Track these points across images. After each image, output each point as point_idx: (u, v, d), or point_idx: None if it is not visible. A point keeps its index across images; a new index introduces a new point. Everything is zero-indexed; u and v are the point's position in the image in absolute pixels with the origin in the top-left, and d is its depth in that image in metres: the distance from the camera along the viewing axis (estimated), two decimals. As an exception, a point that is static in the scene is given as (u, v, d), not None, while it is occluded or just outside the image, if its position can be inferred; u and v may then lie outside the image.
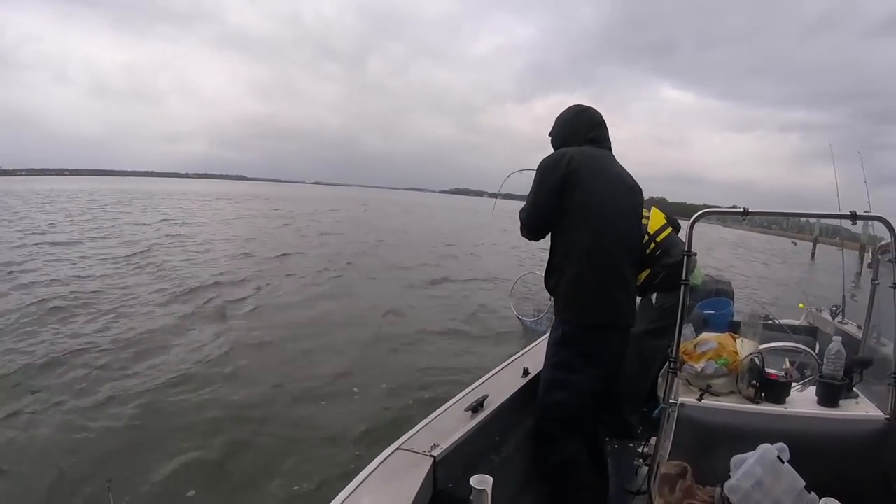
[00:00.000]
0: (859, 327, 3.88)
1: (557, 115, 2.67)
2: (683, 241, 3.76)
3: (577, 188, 2.34)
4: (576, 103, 2.70)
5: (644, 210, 3.80)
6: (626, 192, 2.52)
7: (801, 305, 5.17)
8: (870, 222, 2.43)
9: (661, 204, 4.02)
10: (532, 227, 2.48)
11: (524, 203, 2.49)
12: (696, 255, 2.27)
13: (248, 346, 6.94)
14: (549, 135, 2.66)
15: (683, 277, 2.27)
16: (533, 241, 2.63)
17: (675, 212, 3.91)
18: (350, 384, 5.86)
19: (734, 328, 4.03)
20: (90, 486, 3.77)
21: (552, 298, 2.53)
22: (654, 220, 3.74)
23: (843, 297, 4.43)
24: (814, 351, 2.78)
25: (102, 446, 4.35)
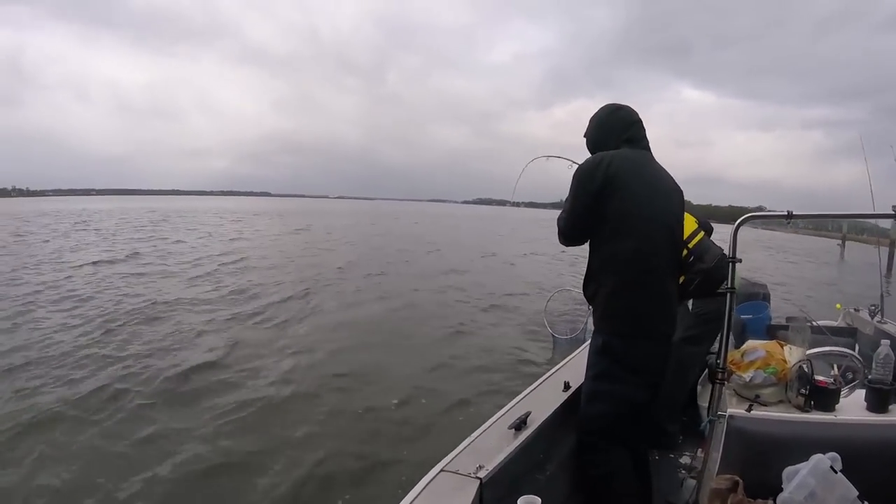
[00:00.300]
0: None
1: (591, 116, 2.58)
2: (717, 245, 3.73)
3: (616, 194, 2.25)
4: (609, 102, 2.60)
5: None
6: (666, 195, 2.44)
7: (838, 306, 5.07)
8: None
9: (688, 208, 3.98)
10: (570, 234, 2.42)
11: (559, 211, 2.44)
12: (740, 261, 2.23)
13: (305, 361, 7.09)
14: (584, 136, 2.59)
15: (729, 285, 2.23)
16: (569, 245, 2.56)
17: (701, 215, 3.86)
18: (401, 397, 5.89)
19: (772, 331, 3.97)
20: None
21: (590, 308, 2.50)
22: (686, 224, 3.69)
23: (882, 295, 4.34)
24: (854, 352, 2.73)
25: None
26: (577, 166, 2.49)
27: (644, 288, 2.27)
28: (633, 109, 2.52)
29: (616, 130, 2.46)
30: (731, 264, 2.24)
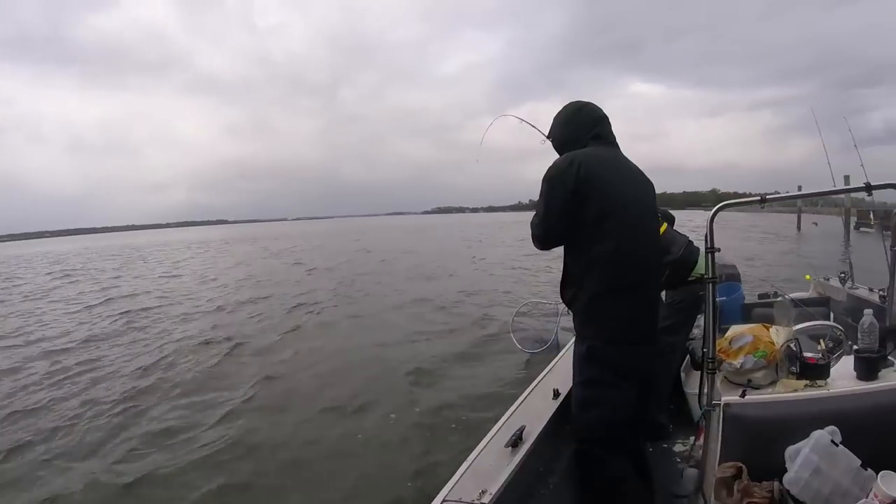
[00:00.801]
0: (870, 290, 3.88)
1: (554, 115, 2.54)
2: (681, 233, 3.75)
3: (592, 196, 2.20)
4: (573, 100, 2.53)
5: None
6: (641, 190, 2.41)
7: (807, 277, 5.17)
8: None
9: None
10: (545, 238, 2.35)
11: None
12: (719, 250, 2.21)
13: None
14: (548, 136, 2.55)
15: (710, 275, 2.22)
16: (544, 248, 2.47)
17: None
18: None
19: (747, 311, 4.03)
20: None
21: (560, 316, 2.49)
22: None
23: (850, 262, 4.42)
24: (829, 320, 2.77)
25: None
26: (546, 140, 2.50)
27: (628, 291, 2.22)
28: (597, 106, 2.48)
29: (584, 128, 2.42)
30: (709, 254, 2.21)
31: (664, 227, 3.70)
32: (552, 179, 2.28)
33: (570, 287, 2.34)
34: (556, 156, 2.43)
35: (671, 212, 4.00)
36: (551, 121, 2.55)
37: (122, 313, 13.46)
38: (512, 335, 8.03)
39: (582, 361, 2.30)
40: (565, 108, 2.52)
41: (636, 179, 2.43)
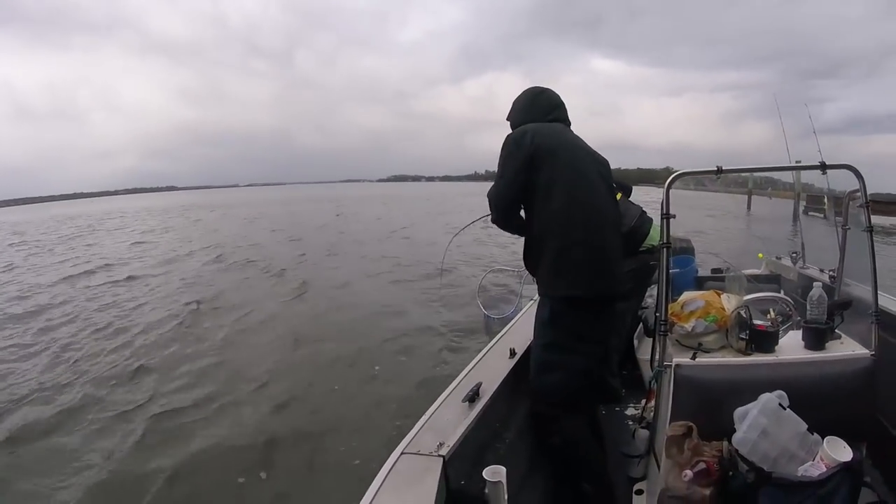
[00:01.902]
0: (821, 270, 4.02)
1: (514, 98, 2.64)
2: (635, 204, 3.81)
3: (546, 163, 2.31)
4: (532, 86, 2.66)
5: None
6: (593, 163, 2.49)
7: (760, 255, 5.32)
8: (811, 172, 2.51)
9: None
10: (503, 205, 2.42)
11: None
12: (674, 216, 2.27)
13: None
14: (507, 119, 2.62)
15: (665, 240, 2.28)
16: (504, 225, 2.54)
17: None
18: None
19: (700, 283, 4.13)
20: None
21: (523, 282, 2.52)
22: None
23: (802, 243, 4.56)
24: (778, 294, 2.86)
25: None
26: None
27: (587, 251, 2.29)
28: (555, 93, 2.60)
29: (542, 112, 2.52)
30: (665, 220, 2.27)
31: (619, 196, 3.76)
32: (510, 145, 2.37)
33: (531, 253, 2.43)
34: None
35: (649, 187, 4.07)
36: (510, 104, 2.64)
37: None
38: (478, 301, 8.21)
39: (544, 325, 2.38)
40: (524, 92, 2.62)
41: (586, 150, 2.52)
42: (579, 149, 2.48)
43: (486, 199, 2.47)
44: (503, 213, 2.45)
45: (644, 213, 3.67)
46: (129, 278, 13.08)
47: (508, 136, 2.43)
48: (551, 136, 2.39)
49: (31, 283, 13.55)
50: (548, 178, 2.30)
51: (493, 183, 2.45)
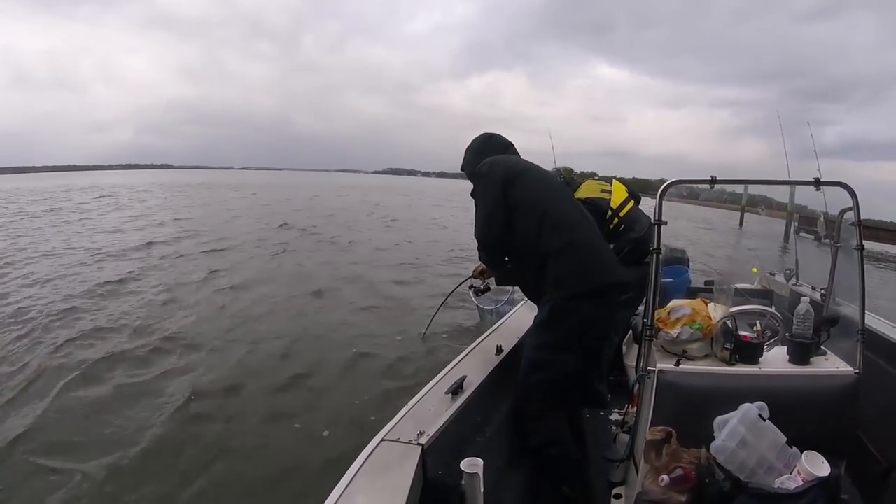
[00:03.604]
0: (813, 288, 4.06)
1: (466, 147, 2.81)
2: (646, 214, 3.83)
3: (518, 183, 2.48)
4: (482, 132, 2.84)
5: (605, 184, 3.84)
6: (554, 179, 2.76)
7: (754, 270, 5.38)
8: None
9: (584, 177, 4.08)
10: (492, 234, 2.53)
11: (475, 220, 2.57)
12: (666, 223, 2.30)
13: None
14: (462, 169, 2.80)
15: (655, 246, 2.30)
16: (494, 263, 2.74)
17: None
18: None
19: (692, 294, 4.14)
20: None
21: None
22: (617, 194, 3.79)
23: (797, 261, 4.59)
24: (767, 308, 2.88)
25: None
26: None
27: (576, 248, 2.40)
28: (503, 136, 2.80)
29: (497, 150, 2.72)
30: (657, 226, 2.31)
31: (631, 204, 3.79)
32: (481, 180, 2.57)
33: (526, 276, 2.58)
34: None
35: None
36: (463, 153, 2.82)
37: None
38: (470, 292, 8.16)
39: (540, 325, 2.44)
40: (475, 139, 2.81)
41: (543, 169, 2.76)
42: (537, 169, 2.68)
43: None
44: (493, 242, 2.57)
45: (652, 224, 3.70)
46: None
47: (476, 172, 2.61)
48: (512, 160, 2.65)
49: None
50: (522, 195, 2.46)
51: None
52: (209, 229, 17.50)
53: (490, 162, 2.57)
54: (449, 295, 6.63)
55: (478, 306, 7.60)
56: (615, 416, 3.55)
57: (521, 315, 3.28)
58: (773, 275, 4.96)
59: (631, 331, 3.77)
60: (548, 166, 3.50)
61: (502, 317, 3.49)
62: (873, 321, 2.57)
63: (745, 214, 37.19)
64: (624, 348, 4.02)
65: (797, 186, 4.07)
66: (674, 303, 2.51)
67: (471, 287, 3.20)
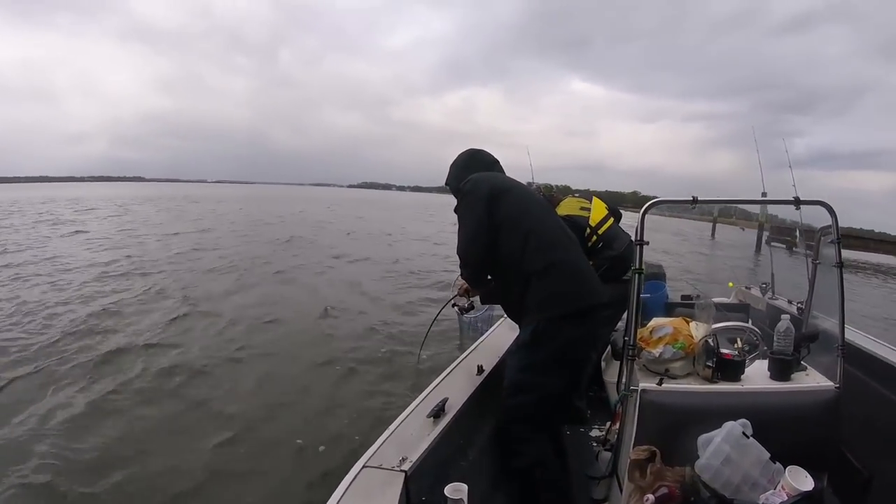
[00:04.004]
0: (789, 302, 4.12)
1: (451, 163, 2.80)
2: (625, 231, 3.87)
3: (502, 200, 2.47)
4: (468, 148, 2.85)
5: (585, 202, 3.87)
6: (536, 196, 2.73)
7: (730, 284, 5.43)
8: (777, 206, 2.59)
9: (560, 191, 4.11)
10: (475, 251, 2.52)
11: (459, 237, 2.56)
12: (648, 243, 2.31)
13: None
14: (447, 184, 2.77)
15: (637, 266, 2.31)
16: (477, 281, 2.74)
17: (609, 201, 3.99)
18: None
19: (670, 309, 4.19)
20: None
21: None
22: (596, 211, 3.81)
23: (772, 275, 4.66)
24: (746, 324, 2.93)
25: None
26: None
27: (560, 268, 2.40)
28: (489, 152, 2.80)
29: (482, 166, 2.72)
30: (639, 246, 2.32)
31: (610, 222, 3.82)
32: (465, 197, 2.56)
33: (509, 294, 2.57)
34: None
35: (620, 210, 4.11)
36: (448, 168, 2.81)
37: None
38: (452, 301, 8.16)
39: (523, 347, 2.44)
40: (460, 155, 2.81)
41: (527, 188, 2.79)
42: (521, 187, 2.69)
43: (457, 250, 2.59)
44: (476, 260, 2.56)
45: (633, 241, 3.72)
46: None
47: (460, 188, 2.59)
48: (497, 177, 2.65)
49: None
50: (506, 213, 2.46)
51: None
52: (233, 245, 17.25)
53: (474, 179, 2.56)
54: (435, 318, 6.66)
55: (459, 322, 7.59)
56: (595, 433, 3.57)
57: (501, 333, 3.28)
58: (749, 288, 5.01)
59: (610, 346, 3.80)
60: (524, 181, 3.52)
61: (479, 330, 3.47)
62: (850, 334, 2.62)
63: (717, 225, 37.84)
64: (603, 364, 4.04)
65: (771, 196, 4.15)
66: (655, 321, 2.52)
67: (454, 306, 3.18)
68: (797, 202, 2.42)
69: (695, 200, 2.35)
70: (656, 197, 2.41)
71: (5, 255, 13.61)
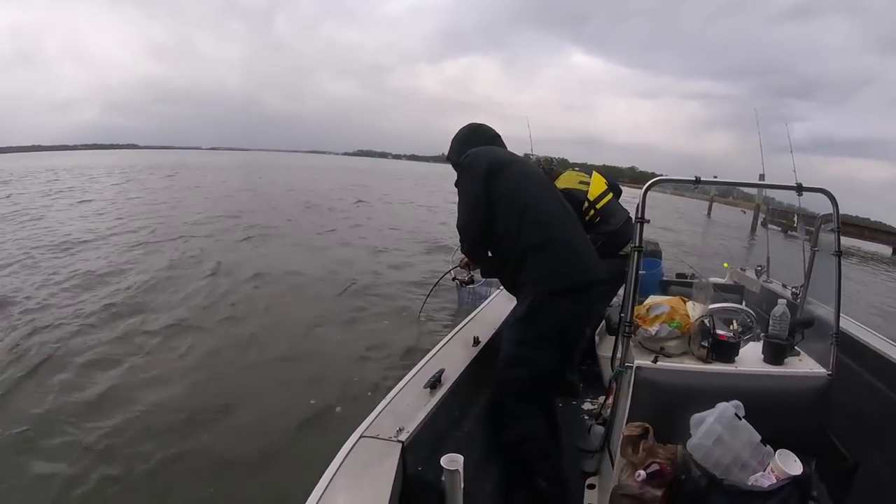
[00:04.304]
0: (784, 286, 4.12)
1: (452, 137, 2.79)
2: (623, 207, 3.85)
3: (500, 176, 2.47)
4: (468, 122, 2.83)
5: (584, 175, 3.86)
6: (536, 171, 2.72)
7: (725, 265, 5.44)
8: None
9: (560, 165, 4.08)
10: (473, 227, 2.53)
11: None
12: (649, 221, 2.31)
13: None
14: (448, 158, 2.77)
15: (637, 244, 2.31)
16: (476, 256, 2.75)
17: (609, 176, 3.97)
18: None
19: (664, 286, 4.20)
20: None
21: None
22: (595, 186, 3.80)
23: (768, 258, 4.66)
24: (742, 306, 2.94)
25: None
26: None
27: (557, 244, 2.40)
28: (490, 126, 2.79)
29: (482, 141, 2.71)
30: (639, 224, 2.31)
31: (609, 197, 3.81)
32: (463, 172, 2.56)
33: (505, 269, 2.57)
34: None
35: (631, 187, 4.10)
36: (450, 142, 2.80)
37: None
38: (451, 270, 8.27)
39: (519, 321, 2.44)
40: (462, 129, 2.81)
41: (527, 162, 2.80)
42: (521, 162, 2.69)
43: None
44: (475, 235, 2.56)
45: (631, 218, 3.71)
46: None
47: (460, 163, 2.59)
48: (496, 152, 2.63)
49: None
50: (504, 189, 2.45)
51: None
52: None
53: (474, 153, 2.55)
54: (435, 285, 6.66)
55: (458, 294, 7.61)
56: (588, 406, 3.60)
57: (498, 304, 3.28)
58: (744, 270, 5.01)
59: (604, 321, 3.81)
60: (522, 153, 3.49)
61: (478, 299, 3.45)
62: (844, 322, 2.64)
63: (714, 205, 37.87)
64: (597, 338, 4.05)
65: (769, 180, 4.13)
66: (652, 299, 2.54)
67: (454, 279, 3.17)
68: (799, 188, 2.41)
69: (697, 181, 2.35)
70: (654, 173, 2.40)
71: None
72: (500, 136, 2.79)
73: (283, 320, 7.05)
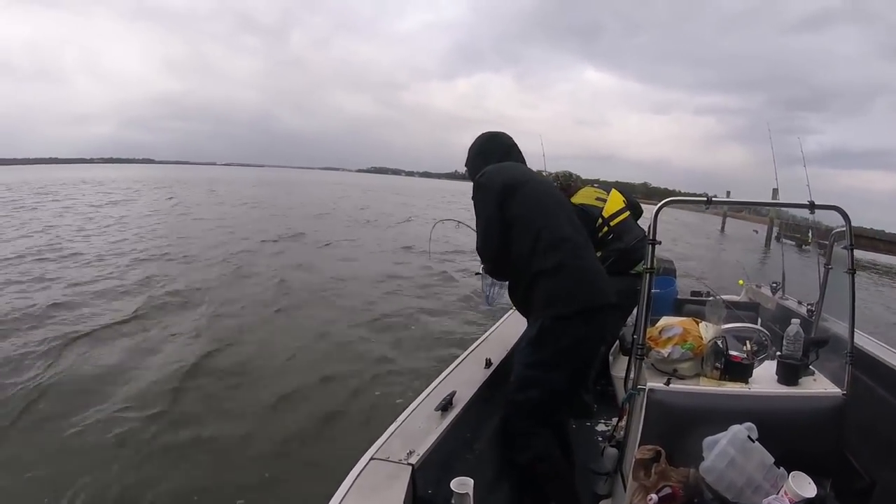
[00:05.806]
0: (799, 303, 4.09)
1: (469, 146, 2.78)
2: (639, 226, 3.84)
3: (513, 197, 2.44)
4: (485, 131, 2.81)
5: (602, 192, 3.86)
6: (551, 191, 2.68)
7: (740, 282, 5.40)
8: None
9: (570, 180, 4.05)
10: (491, 247, 2.52)
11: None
12: (660, 242, 2.30)
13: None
14: (465, 166, 2.76)
15: (648, 265, 2.30)
16: (499, 275, 2.75)
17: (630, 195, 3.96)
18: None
19: (679, 305, 4.17)
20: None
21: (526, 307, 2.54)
22: (612, 203, 3.79)
23: (783, 274, 4.62)
24: (756, 325, 2.93)
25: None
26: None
27: (570, 269, 2.38)
28: (507, 135, 2.76)
29: (496, 154, 2.67)
30: (651, 245, 2.31)
31: (626, 215, 3.80)
32: (478, 193, 2.54)
33: (517, 290, 2.55)
34: None
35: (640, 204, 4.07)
36: (466, 151, 2.79)
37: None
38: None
39: (530, 344, 2.41)
40: (478, 138, 2.78)
41: (542, 181, 2.75)
42: (537, 181, 2.63)
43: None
44: (494, 254, 2.55)
45: (646, 237, 3.70)
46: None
47: (476, 181, 2.57)
48: (510, 171, 2.57)
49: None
50: (518, 212, 2.43)
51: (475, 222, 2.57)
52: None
53: (489, 173, 2.54)
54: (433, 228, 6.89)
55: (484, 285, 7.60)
56: (601, 427, 3.58)
57: (511, 325, 3.27)
58: (760, 287, 4.98)
59: (618, 341, 3.81)
60: (535, 170, 3.49)
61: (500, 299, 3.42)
62: (859, 338, 2.63)
63: (727, 219, 37.68)
64: (611, 358, 4.03)
65: (782, 194, 4.10)
66: (665, 321, 2.52)
67: (477, 273, 3.15)
68: (812, 206, 2.40)
69: (709, 201, 2.35)
70: (666, 189, 2.40)
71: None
72: (516, 146, 2.76)
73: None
